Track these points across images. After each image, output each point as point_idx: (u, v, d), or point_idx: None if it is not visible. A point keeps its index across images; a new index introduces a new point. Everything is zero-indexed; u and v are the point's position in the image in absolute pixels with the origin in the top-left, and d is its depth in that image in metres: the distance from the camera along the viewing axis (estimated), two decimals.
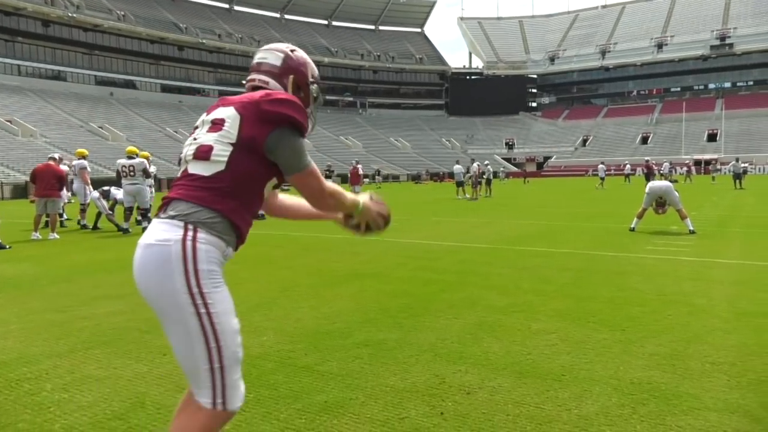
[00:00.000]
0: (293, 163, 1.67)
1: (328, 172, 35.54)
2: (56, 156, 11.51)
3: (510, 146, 79.85)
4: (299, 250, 8.30)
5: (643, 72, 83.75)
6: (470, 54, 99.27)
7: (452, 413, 2.63)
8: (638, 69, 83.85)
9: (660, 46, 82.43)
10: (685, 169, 41.92)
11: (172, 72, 69.04)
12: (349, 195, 1.86)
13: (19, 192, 31.72)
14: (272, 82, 1.81)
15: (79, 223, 12.26)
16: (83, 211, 12.24)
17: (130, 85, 65.12)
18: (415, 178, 57.68)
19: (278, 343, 3.73)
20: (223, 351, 1.58)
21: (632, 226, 9.78)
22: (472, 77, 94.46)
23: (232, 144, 1.63)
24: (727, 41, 77.21)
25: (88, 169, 12.56)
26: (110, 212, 11.83)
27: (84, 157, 12.63)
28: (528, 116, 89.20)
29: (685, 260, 6.80)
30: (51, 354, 3.57)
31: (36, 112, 49.30)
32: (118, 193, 12.09)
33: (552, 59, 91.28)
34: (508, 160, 74.70)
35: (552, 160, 74.06)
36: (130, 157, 11.17)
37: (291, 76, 1.83)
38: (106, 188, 12.35)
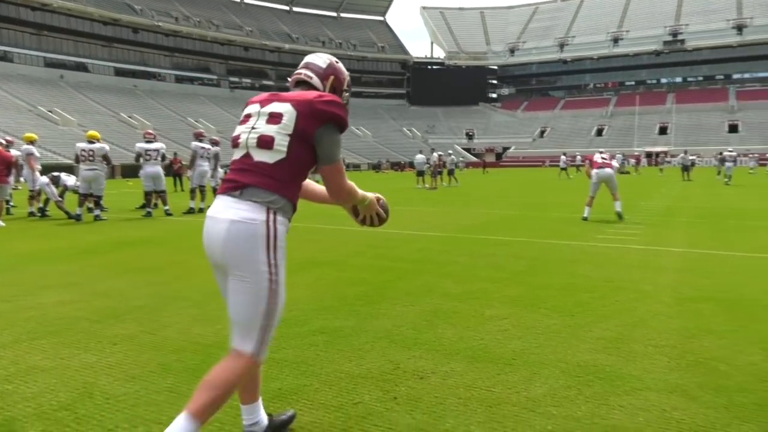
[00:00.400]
0: (331, 154, 2.00)
1: None
2: (3, 140, 11.04)
3: (470, 136, 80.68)
4: None
5: (599, 65, 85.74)
6: (432, 44, 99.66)
7: (405, 397, 2.68)
8: (595, 62, 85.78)
9: (616, 40, 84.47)
10: (633, 161, 43.24)
11: (126, 55, 66.71)
12: (360, 191, 2.23)
13: None
14: (315, 79, 2.13)
15: (39, 212, 11.65)
16: (32, 198, 11.78)
17: (82, 67, 62.65)
18: (376, 167, 57.66)
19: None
20: (274, 313, 1.96)
21: (585, 215, 10.08)
22: (434, 67, 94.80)
23: (289, 135, 1.95)
24: (679, 37, 79.72)
25: (36, 154, 12.04)
26: (60, 199, 11.42)
27: (32, 142, 12.11)
28: (488, 107, 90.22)
29: (633, 248, 7.05)
30: None
31: None
32: (68, 179, 11.69)
33: (512, 51, 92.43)
34: (468, 150, 75.47)
35: (511, 150, 75.25)
36: (90, 142, 10.79)
37: (332, 77, 2.16)
38: (55, 174, 11.90)
